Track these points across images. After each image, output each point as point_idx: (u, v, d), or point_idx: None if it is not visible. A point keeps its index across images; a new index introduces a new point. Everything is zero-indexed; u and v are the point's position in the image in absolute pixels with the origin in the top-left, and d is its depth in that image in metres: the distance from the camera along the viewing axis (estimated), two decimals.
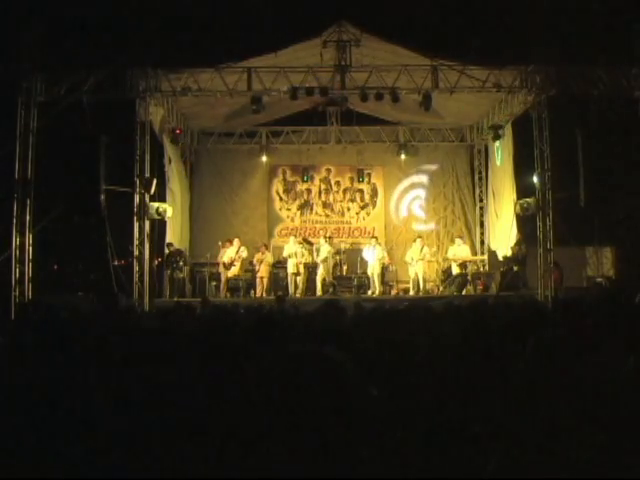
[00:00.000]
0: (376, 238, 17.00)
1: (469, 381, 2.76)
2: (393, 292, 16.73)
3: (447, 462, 2.10)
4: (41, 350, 3.23)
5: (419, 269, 16.15)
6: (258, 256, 16.17)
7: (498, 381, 2.72)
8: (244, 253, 16.16)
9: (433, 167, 19.26)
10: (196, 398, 2.37)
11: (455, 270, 16.68)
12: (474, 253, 18.27)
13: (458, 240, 17.21)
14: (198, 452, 2.07)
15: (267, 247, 16.79)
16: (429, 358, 2.99)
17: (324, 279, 16.11)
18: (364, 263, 16.69)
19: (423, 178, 19.28)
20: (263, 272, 16.03)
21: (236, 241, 16.28)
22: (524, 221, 15.41)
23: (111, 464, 2.09)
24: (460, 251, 16.94)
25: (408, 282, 16.69)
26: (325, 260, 16.11)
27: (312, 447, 1.61)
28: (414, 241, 16.63)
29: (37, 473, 2.06)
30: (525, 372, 2.76)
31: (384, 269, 16.51)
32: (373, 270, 16.17)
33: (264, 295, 15.67)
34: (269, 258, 16.40)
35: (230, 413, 2.20)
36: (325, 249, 16.26)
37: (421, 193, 19.32)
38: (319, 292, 15.92)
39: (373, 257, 16.21)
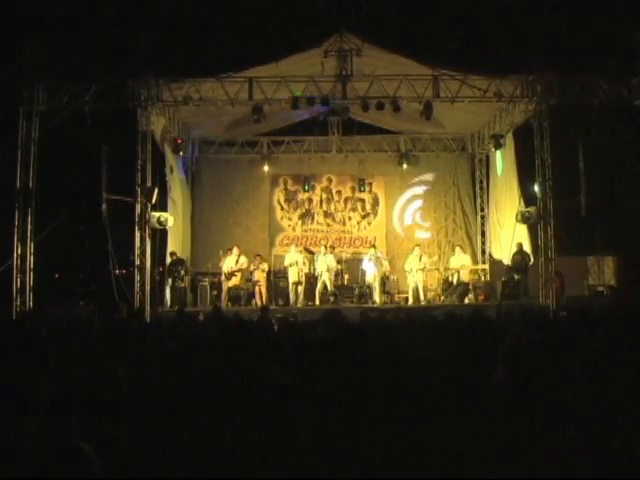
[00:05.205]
0: (375, 247, 16.94)
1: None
2: (394, 301, 16.68)
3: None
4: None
5: (419, 278, 16.06)
6: (255, 264, 16.24)
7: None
8: (244, 263, 16.12)
9: (430, 177, 19.27)
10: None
11: (456, 279, 16.63)
12: (475, 262, 18.24)
13: (457, 249, 17.19)
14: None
15: (262, 257, 16.71)
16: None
17: (324, 289, 16.04)
18: (365, 273, 16.62)
19: (421, 189, 19.31)
20: (260, 280, 16.07)
21: (235, 249, 16.26)
22: (532, 230, 15.40)
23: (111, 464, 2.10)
24: (460, 260, 16.93)
25: (408, 292, 16.62)
26: (323, 272, 16.04)
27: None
28: (412, 250, 16.58)
29: (36, 473, 2.06)
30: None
31: (385, 279, 16.45)
32: (373, 280, 16.11)
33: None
34: (264, 266, 16.39)
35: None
36: (323, 260, 16.21)
37: (419, 203, 19.35)
38: (317, 302, 15.86)
39: (372, 267, 16.15)
